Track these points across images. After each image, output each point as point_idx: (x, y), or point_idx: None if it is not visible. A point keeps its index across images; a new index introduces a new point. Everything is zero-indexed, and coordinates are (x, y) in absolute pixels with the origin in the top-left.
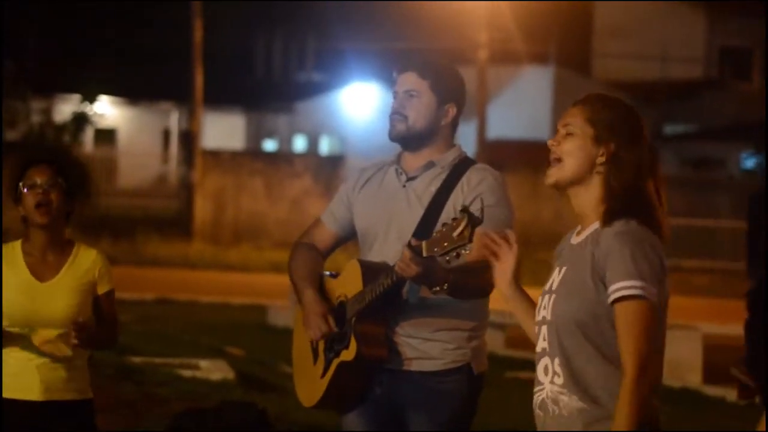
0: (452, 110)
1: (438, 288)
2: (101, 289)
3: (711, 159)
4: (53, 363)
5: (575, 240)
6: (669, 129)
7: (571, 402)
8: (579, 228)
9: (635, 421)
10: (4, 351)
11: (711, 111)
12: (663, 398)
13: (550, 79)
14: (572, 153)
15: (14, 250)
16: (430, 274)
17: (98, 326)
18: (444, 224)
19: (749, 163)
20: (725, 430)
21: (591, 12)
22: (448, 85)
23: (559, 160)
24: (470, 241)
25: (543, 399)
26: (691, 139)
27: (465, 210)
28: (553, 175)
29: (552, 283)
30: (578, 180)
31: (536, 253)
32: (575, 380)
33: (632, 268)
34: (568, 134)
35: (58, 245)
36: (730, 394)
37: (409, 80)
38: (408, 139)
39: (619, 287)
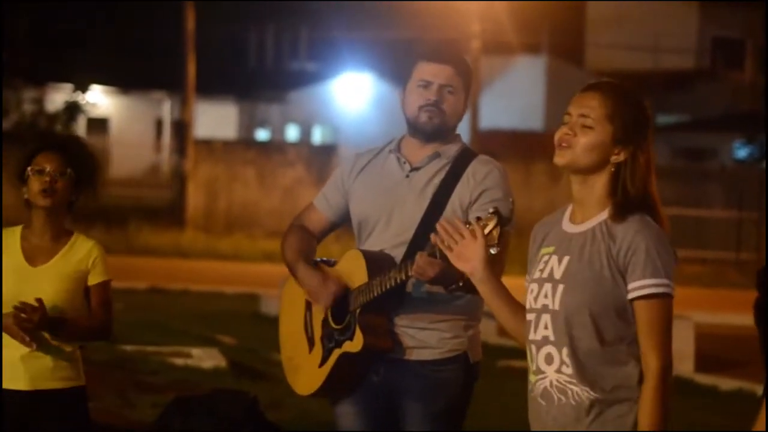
0: (467, 105)
1: (454, 286)
2: (92, 280)
3: (703, 149)
4: (38, 352)
5: (572, 228)
6: (661, 119)
7: (582, 393)
8: (569, 213)
9: (661, 418)
10: None
11: (703, 101)
12: None
13: (542, 69)
14: (589, 148)
15: (14, 234)
16: (446, 274)
17: (83, 318)
18: (468, 223)
19: (741, 153)
20: (717, 418)
21: (584, 2)
22: (471, 82)
23: (570, 147)
24: (498, 243)
25: (546, 388)
26: (684, 129)
27: (496, 212)
28: (565, 156)
29: (551, 271)
30: (589, 172)
31: (528, 244)
32: (584, 371)
33: (659, 265)
34: (586, 126)
35: (57, 232)
36: (722, 383)
37: (447, 74)
38: (439, 134)
39: (647, 284)
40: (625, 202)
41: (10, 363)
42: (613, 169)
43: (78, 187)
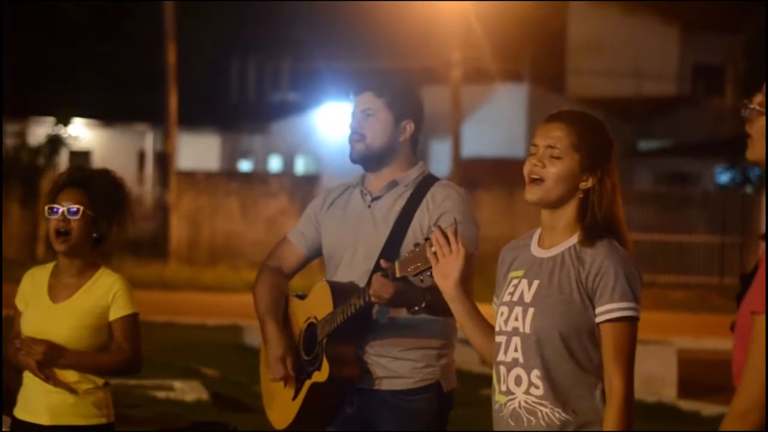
0: (410, 127)
1: (416, 308)
2: (113, 315)
3: (685, 174)
4: (60, 387)
5: (541, 253)
6: (643, 145)
7: (552, 414)
8: (537, 238)
9: None
10: (24, 373)
11: (685, 127)
12: (638, 413)
13: (524, 97)
14: (559, 178)
15: (45, 272)
16: (405, 295)
17: (108, 352)
18: (416, 244)
19: (724, 178)
20: None
21: (564, 29)
22: (404, 101)
23: (541, 180)
24: None
25: (515, 408)
26: (666, 155)
27: (438, 229)
28: (536, 193)
29: (521, 295)
30: (560, 204)
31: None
32: (556, 392)
33: (627, 290)
34: (554, 157)
35: (80, 268)
36: (705, 408)
37: (366, 100)
38: (368, 159)
39: (615, 308)
40: (594, 226)
41: (34, 396)
42: (581, 196)
43: (98, 223)
